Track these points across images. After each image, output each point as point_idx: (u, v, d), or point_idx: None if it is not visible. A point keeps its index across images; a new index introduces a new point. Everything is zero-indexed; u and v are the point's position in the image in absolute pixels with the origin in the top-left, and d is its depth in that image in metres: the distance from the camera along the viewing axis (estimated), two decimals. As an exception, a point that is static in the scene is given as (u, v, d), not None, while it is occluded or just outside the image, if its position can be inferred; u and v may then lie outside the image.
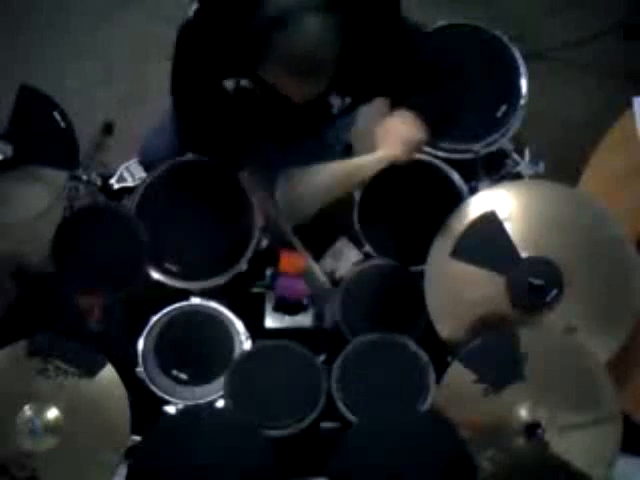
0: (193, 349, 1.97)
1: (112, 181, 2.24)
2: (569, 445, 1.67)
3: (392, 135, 1.56)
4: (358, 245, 2.05)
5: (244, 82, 1.68)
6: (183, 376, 1.96)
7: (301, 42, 1.40)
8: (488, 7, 2.69)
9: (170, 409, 1.91)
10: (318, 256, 2.06)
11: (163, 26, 2.02)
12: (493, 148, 2.08)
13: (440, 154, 2.06)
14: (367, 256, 2.02)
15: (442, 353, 1.86)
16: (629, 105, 2.08)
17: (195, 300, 1.98)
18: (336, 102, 1.73)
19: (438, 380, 1.79)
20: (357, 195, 2.03)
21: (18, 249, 2.17)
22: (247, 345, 1.95)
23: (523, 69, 2.08)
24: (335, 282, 2.00)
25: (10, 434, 1.71)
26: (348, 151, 2.24)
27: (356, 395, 1.84)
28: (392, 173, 1.98)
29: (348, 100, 1.74)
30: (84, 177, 2.11)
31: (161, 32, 1.79)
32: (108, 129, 2.55)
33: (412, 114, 1.56)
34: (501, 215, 1.81)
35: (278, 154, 1.98)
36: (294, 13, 1.40)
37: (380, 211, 2.04)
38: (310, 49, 1.41)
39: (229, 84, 1.68)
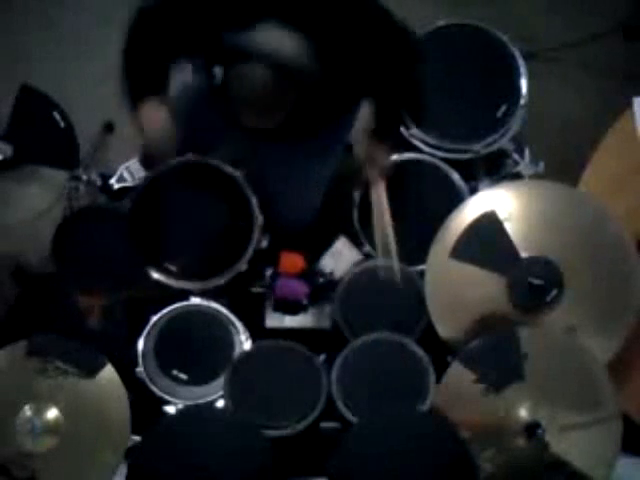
0: (193, 349, 1.97)
1: (112, 181, 2.24)
2: (569, 445, 1.67)
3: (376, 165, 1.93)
4: (358, 245, 2.05)
5: None
6: (183, 376, 1.96)
7: (245, 88, 1.49)
8: (488, 7, 2.69)
9: (170, 409, 1.91)
10: (318, 256, 2.06)
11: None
12: (493, 148, 2.08)
13: (440, 154, 2.07)
14: (367, 256, 2.02)
15: (442, 353, 1.86)
16: (629, 105, 2.08)
17: (195, 300, 1.98)
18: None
19: (438, 380, 1.78)
20: (357, 195, 2.03)
21: (18, 249, 2.17)
22: (247, 345, 1.95)
23: (523, 69, 2.08)
24: (335, 282, 2.00)
25: (10, 434, 1.71)
26: (348, 151, 2.24)
27: (356, 395, 1.84)
28: (392, 173, 1.99)
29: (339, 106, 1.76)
30: (84, 177, 2.11)
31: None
32: (108, 129, 2.55)
33: (382, 145, 1.91)
34: (501, 215, 1.81)
35: (277, 153, 1.98)
36: (252, 54, 1.46)
37: (380, 211, 2.04)
38: (253, 94, 1.49)
39: (217, 71, 1.69)
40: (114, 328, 1.94)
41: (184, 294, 1.98)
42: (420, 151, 2.07)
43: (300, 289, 2.01)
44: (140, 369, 1.92)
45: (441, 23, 2.12)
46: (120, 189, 2.24)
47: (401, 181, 2.04)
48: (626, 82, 2.57)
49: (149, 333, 1.95)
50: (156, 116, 1.81)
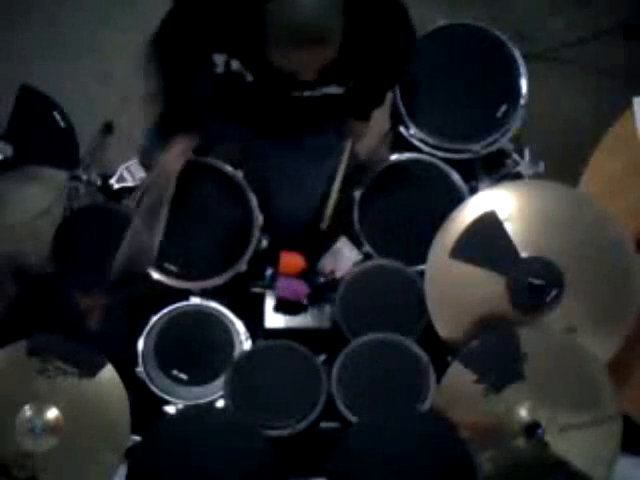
0: (193, 349, 1.97)
1: (112, 181, 2.24)
2: (569, 445, 1.67)
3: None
4: (358, 245, 2.05)
5: (235, 65, 1.65)
6: (183, 376, 1.96)
7: (299, 8, 1.37)
8: (488, 7, 2.69)
9: (170, 409, 1.91)
10: (318, 256, 2.06)
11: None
12: (493, 148, 2.08)
13: (440, 154, 2.07)
14: (367, 256, 2.02)
15: (442, 353, 1.86)
16: (629, 105, 2.08)
17: (195, 300, 1.98)
18: (333, 90, 1.72)
19: (438, 380, 1.79)
20: (357, 195, 2.03)
21: (18, 249, 2.17)
22: (247, 345, 1.95)
23: (523, 69, 2.08)
24: (335, 282, 2.00)
25: (10, 434, 1.71)
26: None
27: (356, 395, 1.84)
28: (392, 173, 1.99)
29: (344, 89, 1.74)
30: (84, 177, 2.12)
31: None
32: (108, 129, 2.55)
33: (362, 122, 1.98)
34: (501, 215, 1.81)
35: (276, 152, 1.98)
36: None
37: (380, 211, 2.04)
38: (310, 14, 1.37)
39: (219, 60, 1.64)
40: (114, 328, 1.93)
41: (184, 294, 1.98)
42: (420, 151, 2.08)
43: (300, 289, 2.01)
44: (140, 369, 1.92)
45: (441, 23, 2.12)
46: (120, 189, 2.24)
47: (401, 181, 2.04)
48: (626, 82, 2.57)
49: (149, 333, 1.95)
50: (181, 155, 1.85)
